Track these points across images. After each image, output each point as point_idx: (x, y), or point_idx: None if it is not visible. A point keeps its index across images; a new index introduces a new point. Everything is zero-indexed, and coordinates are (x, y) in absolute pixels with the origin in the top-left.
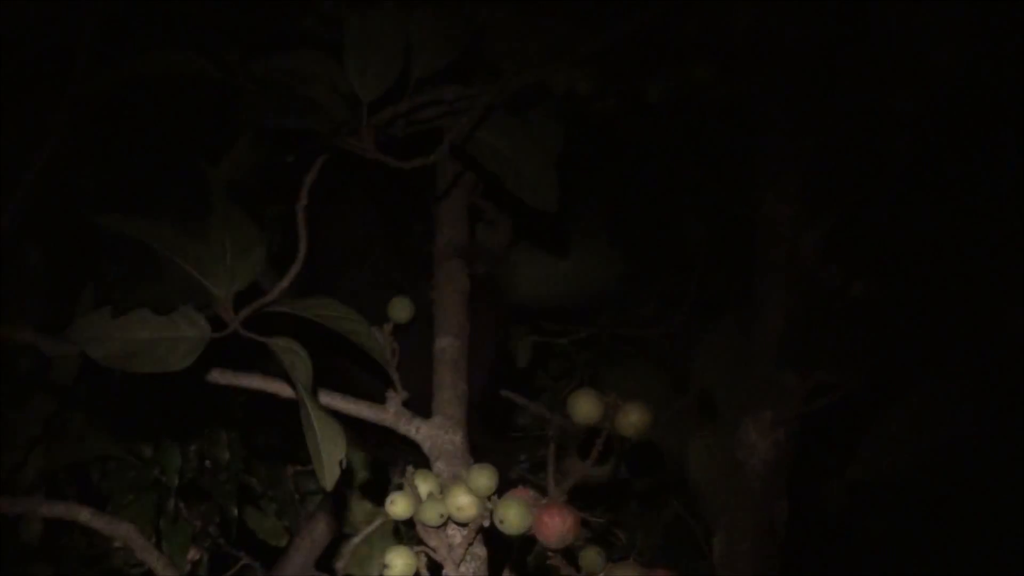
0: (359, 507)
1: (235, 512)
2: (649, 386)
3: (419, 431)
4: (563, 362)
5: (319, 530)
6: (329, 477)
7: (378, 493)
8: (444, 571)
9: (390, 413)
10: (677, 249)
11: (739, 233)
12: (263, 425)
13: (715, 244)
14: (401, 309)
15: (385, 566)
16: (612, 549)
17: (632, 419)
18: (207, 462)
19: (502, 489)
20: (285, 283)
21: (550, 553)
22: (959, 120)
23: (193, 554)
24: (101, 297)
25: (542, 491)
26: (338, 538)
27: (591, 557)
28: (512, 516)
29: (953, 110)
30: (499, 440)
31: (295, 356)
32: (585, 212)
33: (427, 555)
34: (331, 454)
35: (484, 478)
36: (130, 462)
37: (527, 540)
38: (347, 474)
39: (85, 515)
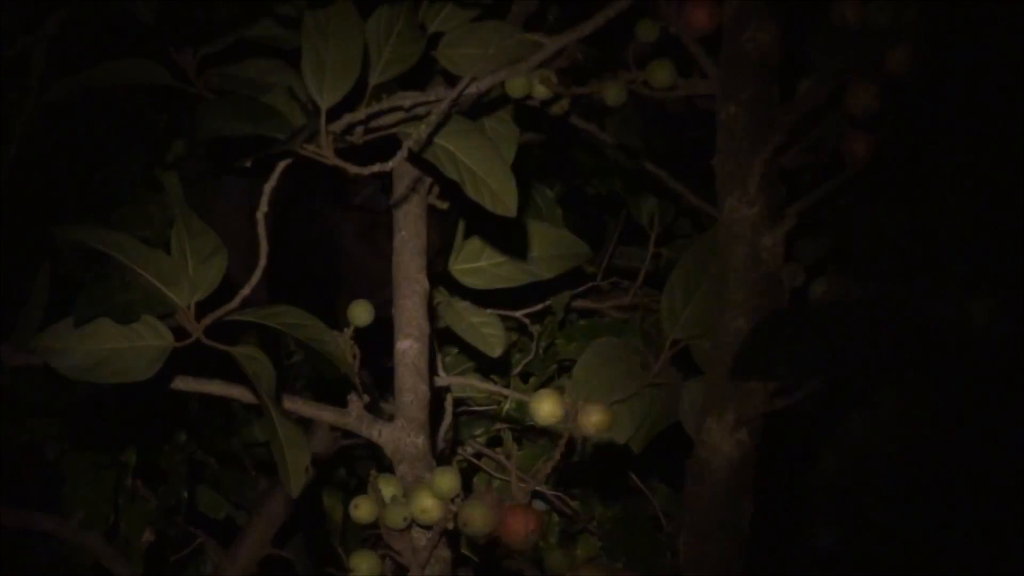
0: None
1: (186, 492)
2: (612, 356)
3: (381, 434)
4: (522, 341)
5: (275, 508)
6: (295, 483)
7: None
8: (409, 574)
9: (352, 417)
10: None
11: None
12: (217, 405)
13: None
14: (361, 313)
15: (349, 570)
16: (571, 523)
17: (594, 419)
18: (163, 444)
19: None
20: (247, 290)
21: (515, 554)
22: (918, 119)
23: (148, 535)
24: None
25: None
26: (294, 515)
27: (556, 558)
28: (476, 518)
29: (912, 109)
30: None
31: (258, 364)
32: (536, 193)
33: (392, 558)
34: (296, 460)
35: (447, 480)
36: (87, 443)
37: (492, 541)
38: None
39: (50, 524)
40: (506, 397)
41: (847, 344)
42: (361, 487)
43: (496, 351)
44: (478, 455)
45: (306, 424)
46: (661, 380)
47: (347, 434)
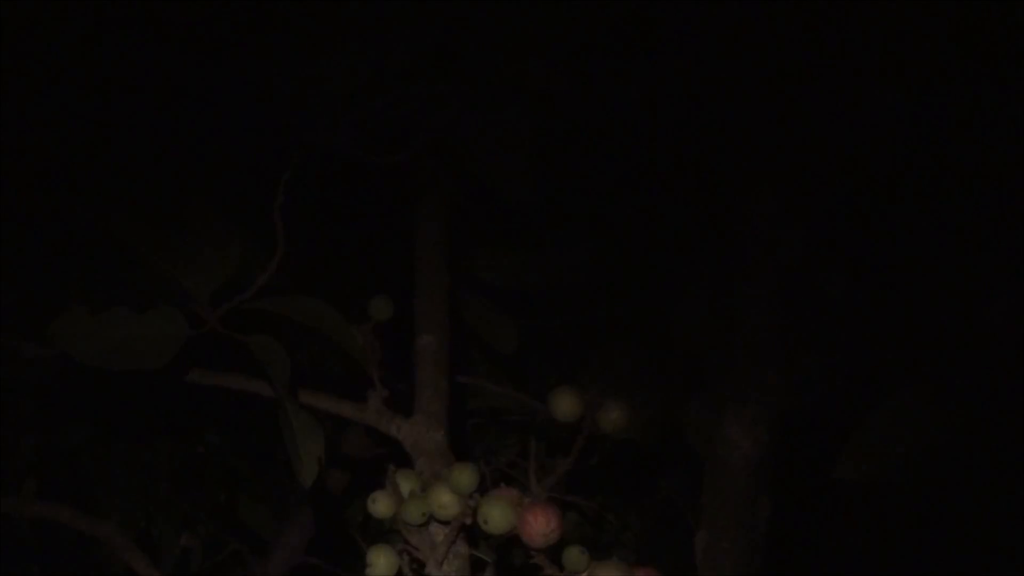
0: None
1: (223, 497)
2: (636, 366)
3: (400, 429)
4: (549, 350)
5: (310, 515)
6: (308, 475)
7: None
8: (426, 570)
9: (371, 411)
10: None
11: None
12: (252, 411)
13: (691, 229)
14: (381, 308)
15: (368, 565)
16: (603, 534)
17: (613, 416)
18: (198, 447)
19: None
20: (262, 280)
21: (533, 552)
22: (937, 120)
23: (186, 540)
24: (76, 295)
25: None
26: (329, 523)
27: (574, 556)
28: (496, 516)
29: (931, 110)
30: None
31: (273, 354)
32: (559, 199)
33: (409, 554)
34: (310, 452)
35: (466, 476)
36: (121, 446)
37: (511, 539)
38: None
39: (67, 514)
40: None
41: (868, 341)
42: None
43: (508, 349)
44: (512, 464)
45: (340, 426)
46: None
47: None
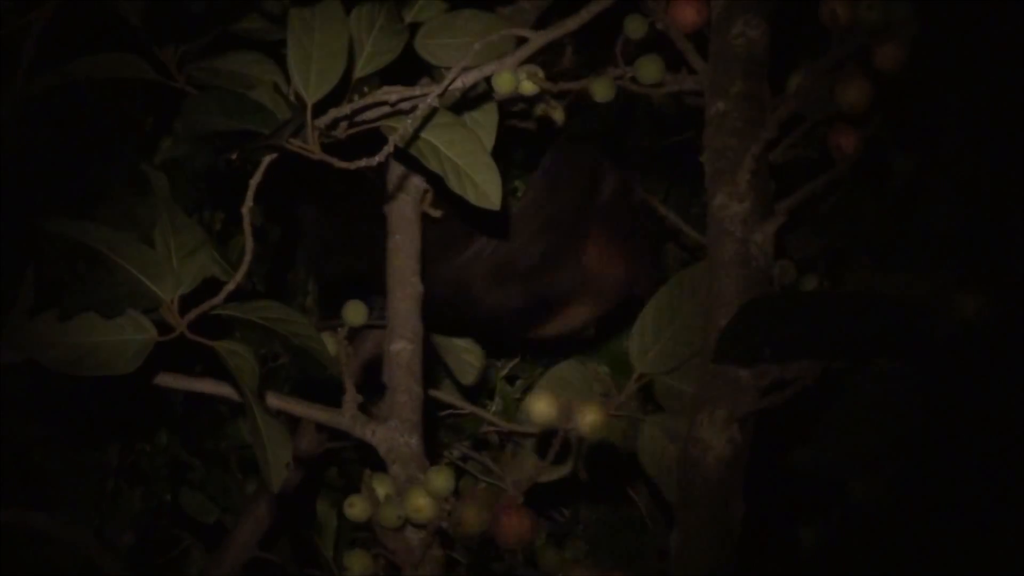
0: None
1: (170, 494)
2: (571, 382)
3: (375, 435)
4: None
5: (261, 510)
6: (275, 479)
7: None
8: (402, 573)
9: (346, 417)
10: None
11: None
12: (203, 408)
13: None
14: (355, 313)
15: (343, 568)
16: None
17: (589, 419)
18: (146, 445)
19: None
20: (232, 285)
21: (507, 554)
22: (907, 114)
23: (128, 538)
24: (44, 301)
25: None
26: (279, 519)
27: (549, 557)
28: (470, 518)
29: (902, 105)
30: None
31: (240, 359)
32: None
33: (385, 557)
34: (277, 456)
35: (441, 480)
36: (69, 445)
37: (486, 541)
38: None
39: (41, 520)
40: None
41: (832, 330)
42: (350, 489)
43: (468, 380)
44: (464, 458)
45: (292, 424)
46: (622, 413)
47: (334, 436)
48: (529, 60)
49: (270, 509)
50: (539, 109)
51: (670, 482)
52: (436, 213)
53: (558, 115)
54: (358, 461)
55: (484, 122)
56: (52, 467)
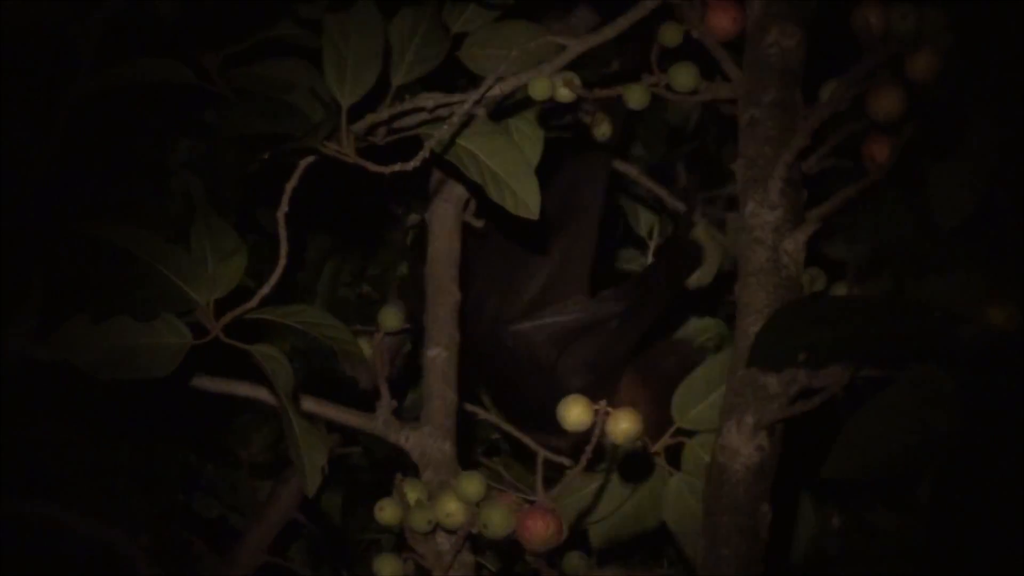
0: None
1: (180, 497)
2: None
3: (408, 440)
4: None
5: (273, 514)
6: (311, 483)
7: None
8: None
9: (379, 421)
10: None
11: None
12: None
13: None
14: (391, 317)
15: (374, 573)
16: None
17: (623, 426)
18: (158, 447)
19: None
20: (266, 289)
21: (531, 557)
22: (937, 122)
23: (144, 540)
24: (83, 304)
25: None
26: (292, 524)
27: (574, 561)
28: (496, 520)
29: (932, 114)
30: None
31: (276, 363)
32: None
33: (415, 562)
34: (313, 461)
35: (472, 485)
36: (83, 445)
37: (513, 545)
38: None
39: (72, 518)
40: None
41: (864, 337)
42: (362, 495)
43: None
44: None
45: None
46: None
47: (344, 442)
48: (571, 68)
49: (282, 512)
50: (586, 120)
51: (694, 541)
52: (478, 223)
53: (604, 128)
54: (366, 468)
55: (530, 133)
56: (63, 468)
